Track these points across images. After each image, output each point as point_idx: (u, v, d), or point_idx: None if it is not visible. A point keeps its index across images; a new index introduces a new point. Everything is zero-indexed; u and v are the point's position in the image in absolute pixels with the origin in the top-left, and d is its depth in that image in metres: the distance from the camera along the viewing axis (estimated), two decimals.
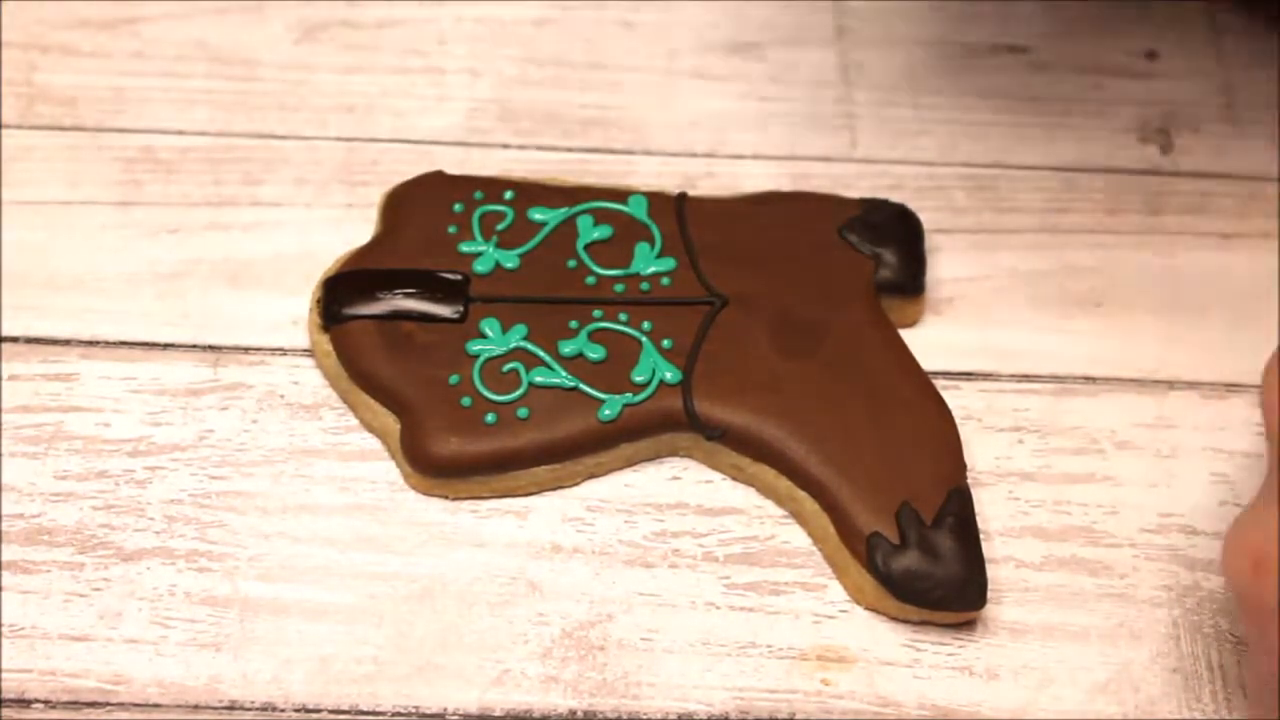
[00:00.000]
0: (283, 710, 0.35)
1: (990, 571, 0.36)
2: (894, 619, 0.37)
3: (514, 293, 0.39)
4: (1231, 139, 0.45)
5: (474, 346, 0.38)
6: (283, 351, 0.40)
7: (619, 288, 0.39)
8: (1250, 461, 0.39)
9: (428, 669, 0.36)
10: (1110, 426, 0.40)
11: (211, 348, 0.40)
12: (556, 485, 0.38)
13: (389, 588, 0.37)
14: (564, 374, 0.38)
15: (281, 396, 0.39)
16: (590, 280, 0.39)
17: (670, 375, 0.38)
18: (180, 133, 0.43)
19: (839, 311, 0.39)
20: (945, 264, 0.42)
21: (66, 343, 0.40)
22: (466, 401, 0.37)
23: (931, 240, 0.42)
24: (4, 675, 0.35)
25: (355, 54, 0.45)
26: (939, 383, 0.39)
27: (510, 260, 0.40)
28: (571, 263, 0.40)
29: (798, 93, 0.45)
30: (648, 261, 0.40)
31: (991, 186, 0.44)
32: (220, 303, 0.41)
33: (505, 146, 0.44)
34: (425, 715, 0.35)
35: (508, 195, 0.41)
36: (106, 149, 0.43)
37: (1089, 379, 0.41)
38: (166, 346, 0.40)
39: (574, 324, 0.39)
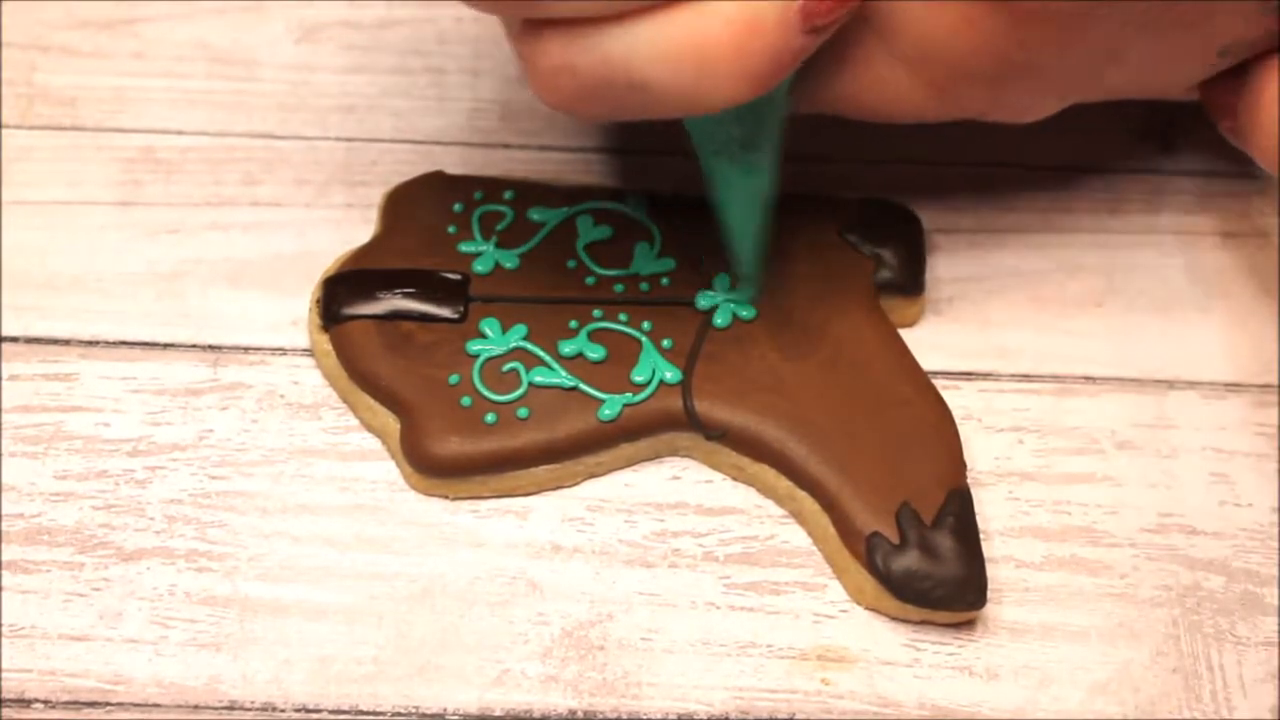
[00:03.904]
0: (283, 710, 0.35)
1: (990, 571, 0.36)
2: (894, 619, 0.37)
3: (514, 293, 0.39)
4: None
5: (474, 346, 0.38)
6: (282, 351, 0.40)
7: (619, 288, 0.39)
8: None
9: (428, 669, 0.36)
10: (1110, 426, 0.40)
11: (211, 348, 0.40)
12: (556, 485, 0.38)
13: (389, 588, 0.37)
14: (564, 374, 0.38)
15: (281, 396, 0.39)
16: (590, 280, 0.40)
17: (670, 375, 0.38)
18: (180, 133, 0.43)
19: (839, 311, 0.39)
20: (945, 264, 0.42)
21: (66, 343, 0.40)
22: (466, 401, 0.37)
23: (931, 240, 0.42)
24: (4, 675, 0.35)
25: (355, 54, 0.45)
26: (939, 383, 0.39)
27: (510, 260, 0.40)
28: (571, 263, 0.40)
29: None
30: (647, 261, 0.40)
31: (991, 186, 0.44)
32: (220, 303, 0.41)
33: (506, 146, 0.44)
34: (425, 715, 0.35)
35: (508, 195, 0.41)
36: (106, 149, 0.43)
37: (1089, 379, 0.41)
38: (166, 346, 0.40)
39: (574, 324, 0.39)
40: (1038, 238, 0.43)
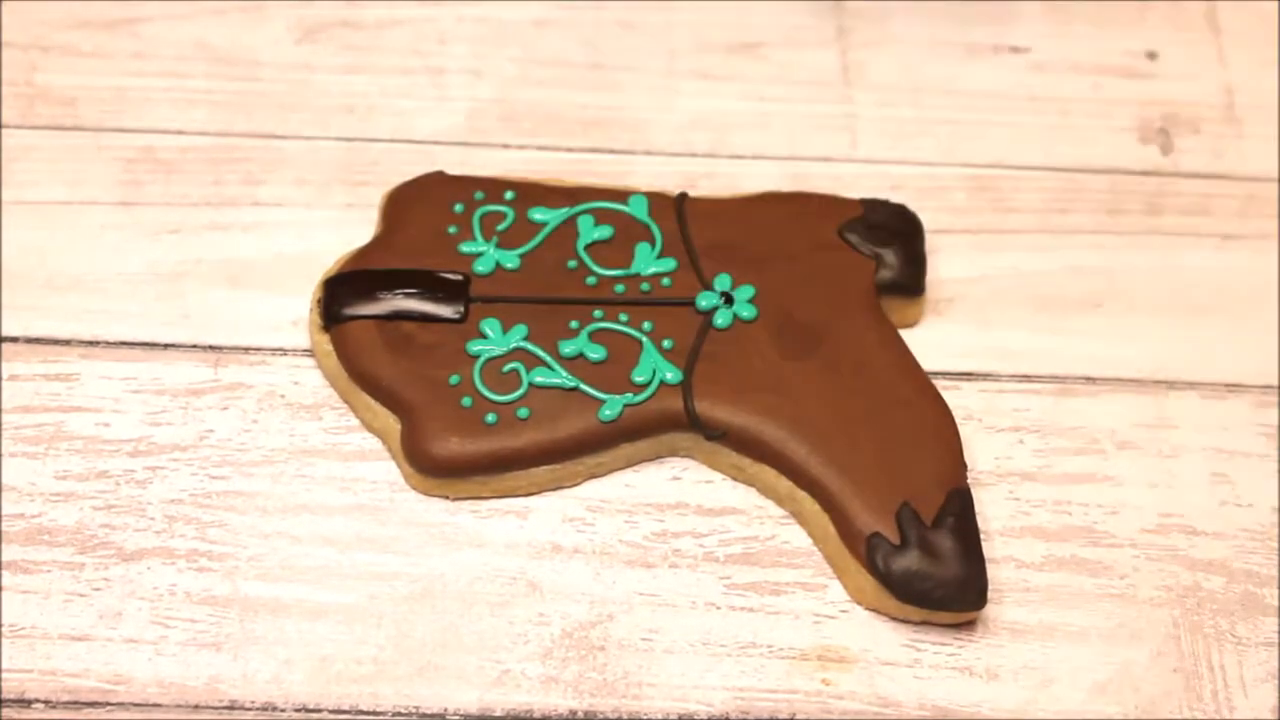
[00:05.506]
0: (283, 710, 0.35)
1: (990, 571, 0.36)
2: (894, 619, 0.37)
3: (514, 293, 0.39)
4: (1231, 139, 0.45)
5: (474, 347, 0.38)
6: (283, 351, 0.40)
7: (619, 288, 0.39)
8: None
9: (428, 669, 0.36)
10: (1110, 426, 0.40)
11: (212, 348, 0.40)
12: (557, 485, 0.38)
13: (389, 588, 0.37)
14: (564, 374, 0.38)
15: (282, 396, 0.39)
16: (591, 280, 0.39)
17: (671, 375, 0.38)
18: (180, 133, 0.43)
19: (839, 312, 0.39)
20: (945, 264, 0.42)
21: (66, 343, 0.40)
22: (467, 402, 0.37)
23: (931, 240, 0.42)
24: (4, 675, 0.35)
25: (355, 54, 0.45)
26: (939, 383, 0.39)
27: (511, 260, 0.40)
28: (572, 263, 0.40)
29: (798, 93, 0.45)
30: (648, 262, 0.40)
31: (991, 186, 0.44)
32: (220, 303, 0.41)
33: (506, 147, 0.44)
34: (425, 715, 0.35)
35: (508, 195, 0.41)
36: (106, 149, 0.43)
37: (1089, 379, 0.41)
38: (166, 346, 0.40)
39: (574, 324, 0.39)
40: (1038, 238, 0.43)
